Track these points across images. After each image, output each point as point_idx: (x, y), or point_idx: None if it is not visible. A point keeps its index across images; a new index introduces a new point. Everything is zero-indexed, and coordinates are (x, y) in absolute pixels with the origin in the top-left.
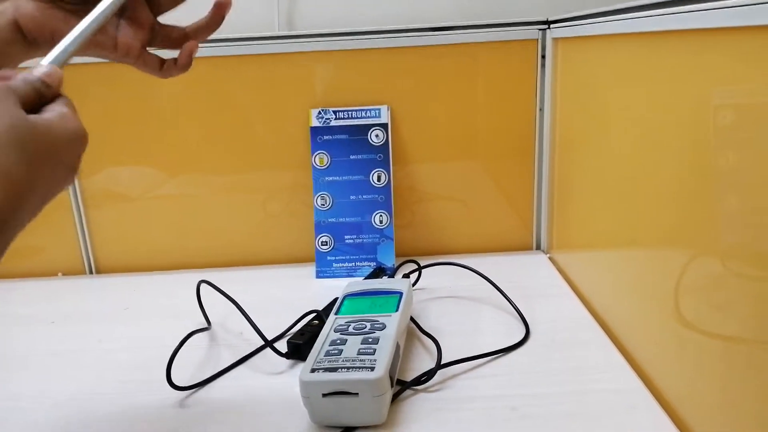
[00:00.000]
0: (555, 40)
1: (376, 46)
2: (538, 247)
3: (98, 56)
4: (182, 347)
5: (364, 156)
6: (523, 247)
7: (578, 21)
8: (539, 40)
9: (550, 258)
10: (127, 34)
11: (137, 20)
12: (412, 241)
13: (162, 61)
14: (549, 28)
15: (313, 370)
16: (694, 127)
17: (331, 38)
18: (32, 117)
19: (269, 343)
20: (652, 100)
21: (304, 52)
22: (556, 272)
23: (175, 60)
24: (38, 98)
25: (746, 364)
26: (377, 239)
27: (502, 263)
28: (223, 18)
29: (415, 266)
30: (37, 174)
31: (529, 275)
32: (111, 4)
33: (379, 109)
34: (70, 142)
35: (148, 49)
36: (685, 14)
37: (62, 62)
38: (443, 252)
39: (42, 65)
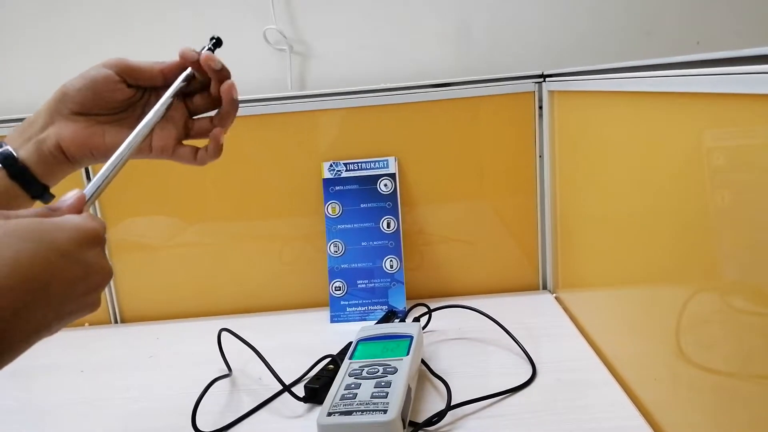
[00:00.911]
0: (550, 92)
1: (384, 103)
2: (545, 287)
3: (135, 158)
4: (205, 394)
5: (374, 204)
6: (530, 287)
7: (571, 77)
8: (536, 93)
9: (555, 297)
10: (161, 137)
11: (172, 120)
12: (421, 284)
13: (196, 151)
14: (544, 80)
15: (329, 414)
16: (689, 169)
17: (341, 97)
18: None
19: (287, 388)
20: (647, 146)
21: (316, 110)
22: (562, 311)
23: (206, 148)
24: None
25: (743, 398)
26: (388, 283)
27: (509, 304)
28: (235, 100)
29: (425, 309)
30: (48, 269)
31: (536, 315)
32: (143, 128)
33: (387, 160)
34: (77, 236)
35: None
36: (670, 78)
37: (95, 194)
38: (452, 293)
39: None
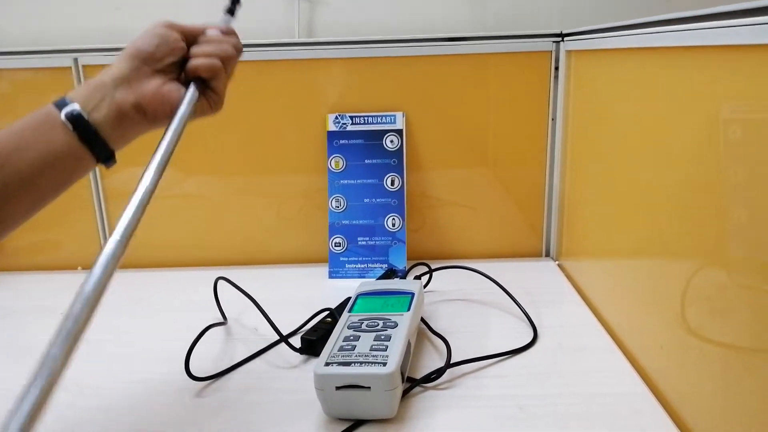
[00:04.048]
0: (568, 52)
1: (394, 55)
2: (547, 255)
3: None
4: (199, 341)
5: (379, 160)
6: (532, 254)
7: (591, 35)
8: (553, 52)
9: (558, 265)
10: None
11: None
12: (422, 245)
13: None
14: (563, 40)
15: (327, 364)
16: (703, 141)
17: (350, 46)
18: None
19: (284, 338)
20: (663, 114)
21: (323, 59)
22: (565, 279)
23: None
24: None
25: (747, 370)
26: (389, 242)
27: (511, 269)
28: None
29: (426, 269)
30: None
31: (538, 281)
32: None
33: (394, 116)
34: None
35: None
36: (697, 31)
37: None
38: (453, 257)
39: None
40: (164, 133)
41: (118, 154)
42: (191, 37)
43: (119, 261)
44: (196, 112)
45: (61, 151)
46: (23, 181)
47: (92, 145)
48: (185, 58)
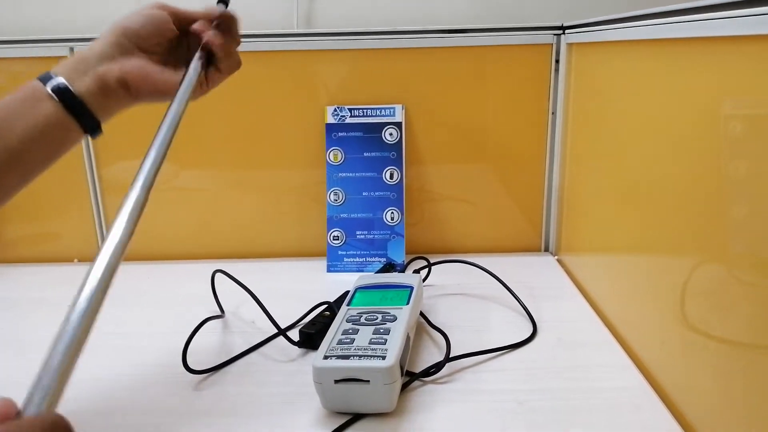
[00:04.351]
0: (569, 45)
1: (393, 46)
2: (546, 249)
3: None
4: (196, 333)
5: (378, 153)
6: (531, 249)
7: (593, 27)
8: (554, 45)
9: (557, 260)
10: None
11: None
12: (421, 239)
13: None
14: (564, 33)
15: (326, 357)
16: (704, 136)
17: (349, 37)
18: None
19: (282, 332)
20: (664, 108)
21: (322, 50)
22: (564, 274)
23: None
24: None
25: (747, 365)
26: (388, 236)
27: (510, 263)
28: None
29: (425, 263)
30: None
31: (537, 276)
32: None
33: (393, 108)
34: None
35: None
36: (699, 22)
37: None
38: (452, 251)
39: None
40: (169, 106)
41: (115, 147)
42: (185, 22)
43: (131, 236)
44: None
45: (48, 122)
46: (13, 154)
47: (78, 115)
48: (176, 42)
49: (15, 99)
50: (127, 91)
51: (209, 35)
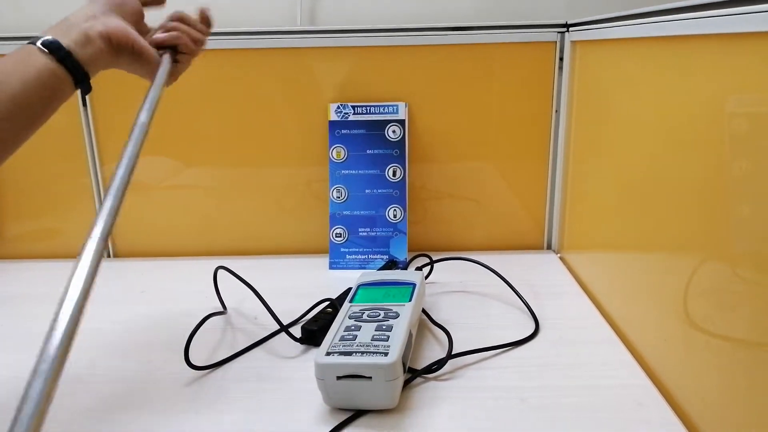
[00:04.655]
0: (573, 43)
1: (396, 44)
2: (549, 247)
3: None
4: (199, 330)
5: (381, 151)
6: (534, 247)
7: (598, 24)
8: (557, 43)
9: (560, 258)
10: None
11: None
12: (424, 237)
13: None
14: (568, 31)
15: (328, 354)
16: (708, 134)
17: (352, 35)
18: None
19: (284, 328)
20: (668, 106)
21: (325, 48)
22: (567, 271)
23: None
24: None
25: (749, 363)
26: (390, 233)
27: (513, 261)
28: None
29: (427, 260)
30: None
31: (540, 273)
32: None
33: (396, 106)
34: None
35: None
36: (703, 19)
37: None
38: (454, 248)
39: None
40: (145, 97)
41: (117, 144)
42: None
43: (116, 212)
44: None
45: (40, 72)
46: (12, 106)
47: (68, 66)
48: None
49: (8, 58)
50: (109, 44)
51: (174, 34)
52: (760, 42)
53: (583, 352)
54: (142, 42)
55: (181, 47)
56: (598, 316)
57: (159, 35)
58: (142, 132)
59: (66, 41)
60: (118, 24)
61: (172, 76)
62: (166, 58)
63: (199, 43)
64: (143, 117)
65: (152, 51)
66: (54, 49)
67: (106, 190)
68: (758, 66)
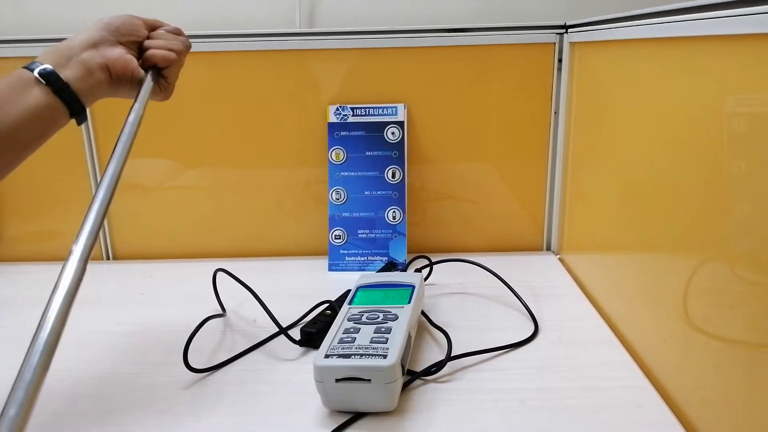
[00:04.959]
0: (572, 44)
1: (395, 46)
2: (548, 248)
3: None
4: (198, 332)
5: (380, 152)
6: (533, 248)
7: (596, 26)
8: (556, 44)
9: (559, 259)
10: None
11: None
12: (423, 239)
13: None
14: (566, 32)
15: (327, 356)
16: (707, 134)
17: (351, 36)
18: None
19: (283, 330)
20: (667, 107)
21: (324, 50)
22: (566, 273)
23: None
24: None
25: (748, 364)
26: (390, 234)
27: (512, 262)
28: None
29: (427, 262)
30: None
31: (539, 275)
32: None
33: (395, 107)
34: None
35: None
36: (701, 21)
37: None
38: (454, 250)
39: None
40: (128, 114)
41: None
42: (150, 28)
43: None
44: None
45: (37, 104)
46: (5, 136)
47: (65, 98)
48: (142, 47)
49: (3, 85)
50: (108, 76)
51: (153, 52)
52: (758, 43)
53: (583, 354)
54: (141, 71)
55: (160, 63)
56: (597, 317)
57: (149, 52)
58: (125, 151)
59: (65, 73)
60: (118, 54)
61: (164, 90)
62: (148, 79)
63: (177, 50)
64: (125, 136)
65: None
66: (52, 80)
67: (88, 207)
68: (757, 66)
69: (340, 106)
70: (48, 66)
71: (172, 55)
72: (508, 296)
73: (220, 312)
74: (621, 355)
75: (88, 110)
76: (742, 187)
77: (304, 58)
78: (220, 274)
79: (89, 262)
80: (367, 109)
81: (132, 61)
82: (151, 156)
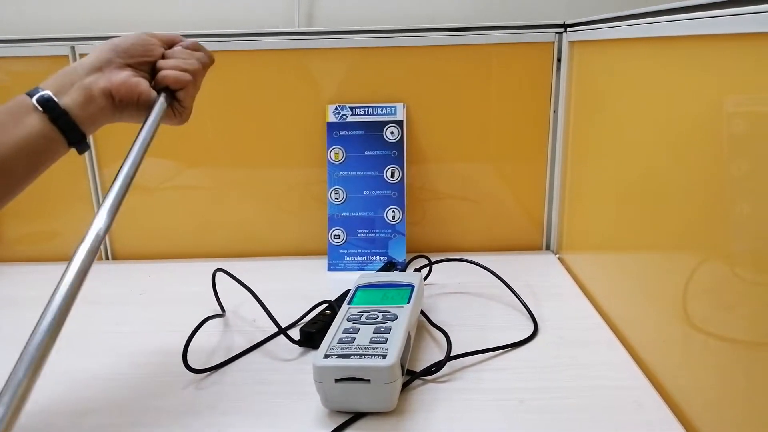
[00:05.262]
0: (571, 43)
1: (394, 45)
2: (548, 248)
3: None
4: (197, 332)
5: (379, 152)
6: (533, 247)
7: (595, 25)
8: (555, 43)
9: (559, 258)
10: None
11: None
12: (422, 238)
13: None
14: (566, 31)
15: (326, 356)
16: (707, 134)
17: (350, 36)
18: None
19: (283, 330)
20: (666, 106)
21: (323, 49)
22: (565, 272)
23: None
24: None
25: (748, 364)
26: (389, 234)
27: (512, 262)
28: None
29: (426, 262)
30: None
31: (538, 274)
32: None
33: (395, 107)
34: None
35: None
36: (700, 20)
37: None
38: (453, 249)
39: None
40: (135, 139)
41: (116, 147)
42: (168, 45)
43: (94, 257)
44: (162, 119)
45: (34, 134)
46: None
47: (63, 128)
48: (156, 68)
49: (2, 112)
50: (111, 102)
51: (165, 74)
52: (758, 42)
53: (582, 353)
54: (151, 93)
55: (172, 85)
56: (596, 316)
57: (162, 73)
58: (128, 178)
59: (65, 99)
60: (124, 78)
61: (180, 113)
62: (161, 101)
63: (193, 71)
64: (130, 162)
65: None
66: (49, 108)
67: (82, 239)
68: (756, 65)
69: (339, 106)
70: (47, 92)
71: (186, 76)
72: (508, 296)
73: (220, 312)
74: (621, 355)
75: (90, 137)
76: (741, 187)
77: (303, 58)
78: (219, 274)
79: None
80: (366, 109)
81: (139, 84)
82: (151, 156)
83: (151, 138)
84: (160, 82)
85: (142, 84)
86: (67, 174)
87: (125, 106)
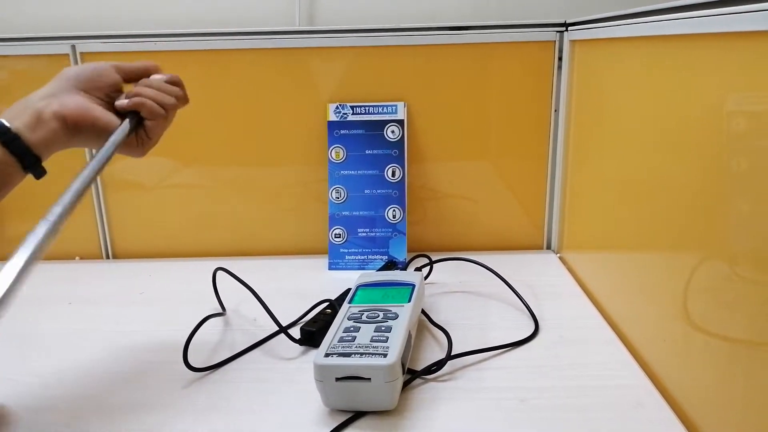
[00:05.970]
0: (572, 42)
1: (395, 44)
2: (549, 247)
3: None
4: (197, 331)
5: (380, 151)
6: (533, 247)
7: (596, 24)
8: (556, 42)
9: (560, 257)
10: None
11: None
12: (423, 237)
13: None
14: (566, 30)
15: (327, 355)
16: (707, 133)
17: (351, 34)
18: None
19: (283, 329)
20: (667, 105)
21: (324, 48)
22: (566, 271)
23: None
24: None
25: (748, 363)
26: (390, 233)
27: (512, 261)
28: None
29: (427, 261)
30: None
31: (539, 273)
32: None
33: (395, 105)
34: None
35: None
36: (701, 18)
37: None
38: (454, 249)
39: None
40: (90, 159)
41: None
42: (134, 76)
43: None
44: (123, 146)
45: None
46: None
47: (15, 151)
48: (116, 94)
49: None
50: (64, 125)
51: (140, 100)
52: (759, 41)
53: (583, 352)
54: (108, 118)
55: (144, 113)
56: (597, 316)
57: (119, 101)
58: (77, 195)
59: (16, 123)
60: (77, 103)
61: (144, 144)
62: (125, 123)
63: (168, 106)
64: (82, 178)
65: (117, 123)
66: (1, 132)
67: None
68: (757, 64)
69: (340, 105)
70: (1, 120)
71: (160, 110)
72: (509, 295)
73: (220, 311)
74: (621, 354)
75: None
76: (741, 186)
77: (303, 57)
78: (219, 273)
79: (88, 261)
80: (366, 108)
81: (93, 109)
82: (150, 154)
83: (107, 159)
84: (130, 107)
85: (97, 109)
86: (67, 174)
87: (80, 130)
